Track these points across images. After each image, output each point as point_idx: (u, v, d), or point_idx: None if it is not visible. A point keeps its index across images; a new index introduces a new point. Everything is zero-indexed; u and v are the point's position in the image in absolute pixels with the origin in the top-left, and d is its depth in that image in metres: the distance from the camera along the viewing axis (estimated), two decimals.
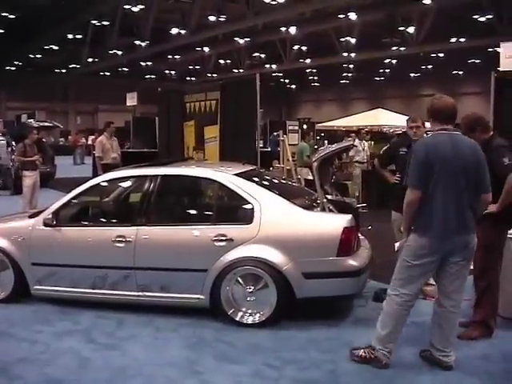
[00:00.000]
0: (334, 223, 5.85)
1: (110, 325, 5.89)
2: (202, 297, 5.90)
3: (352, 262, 5.80)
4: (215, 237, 5.80)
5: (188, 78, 48.99)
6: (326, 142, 22.28)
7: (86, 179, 10.76)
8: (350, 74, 49.84)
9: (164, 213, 6.51)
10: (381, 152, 7.12)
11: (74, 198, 6.49)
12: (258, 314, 5.80)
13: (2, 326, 5.89)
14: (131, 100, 33.20)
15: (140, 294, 6.06)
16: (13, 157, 15.85)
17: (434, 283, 5.36)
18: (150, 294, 6.04)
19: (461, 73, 44.73)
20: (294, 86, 59.03)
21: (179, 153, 10.93)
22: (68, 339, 5.54)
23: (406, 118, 19.47)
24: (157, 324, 5.91)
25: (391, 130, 19.72)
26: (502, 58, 10.97)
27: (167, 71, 49.16)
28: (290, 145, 17.13)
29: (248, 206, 5.92)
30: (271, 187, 6.23)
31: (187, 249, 5.91)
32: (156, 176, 6.28)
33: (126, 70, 46.60)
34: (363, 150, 15.70)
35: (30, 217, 6.66)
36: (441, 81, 44.83)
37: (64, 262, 6.26)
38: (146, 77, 48.47)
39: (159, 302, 6.08)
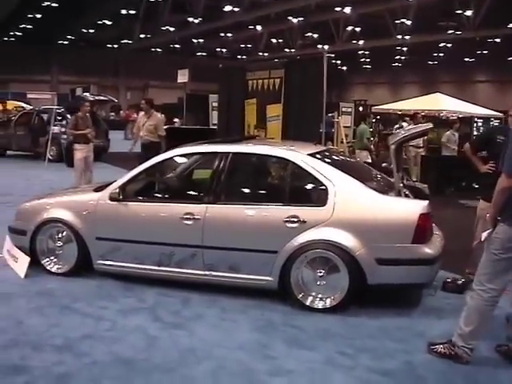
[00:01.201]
0: (410, 209, 5.60)
1: (175, 303, 5.77)
2: (270, 279, 5.73)
3: (427, 250, 5.57)
4: (287, 218, 5.60)
5: (239, 57, 48.77)
6: (380, 125, 21.83)
7: (138, 154, 10.80)
8: (403, 57, 48.85)
9: (234, 191, 6.31)
10: (473, 137, 6.80)
11: (141, 172, 6.35)
12: (328, 299, 5.61)
13: (65, 300, 5.80)
14: (182, 77, 33.08)
15: (207, 273, 5.91)
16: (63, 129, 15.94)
17: None
18: (217, 273, 5.89)
19: None
20: (345, 68, 58.19)
21: (239, 130, 10.73)
22: (134, 317, 5.42)
23: (465, 103, 18.93)
24: (222, 304, 5.76)
25: (449, 116, 19.14)
26: None
27: (218, 49, 48.97)
28: (344, 127, 16.87)
29: (322, 188, 5.70)
30: (345, 169, 5.98)
31: (257, 229, 5.73)
32: (227, 153, 6.08)
33: (178, 46, 46.57)
34: None
35: (95, 190, 6.56)
36: (496, 67, 43.66)
37: (129, 237, 6.15)
38: (197, 54, 48.38)
39: (226, 282, 5.93)
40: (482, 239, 4.65)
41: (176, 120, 25.06)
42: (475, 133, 14.54)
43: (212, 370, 4.38)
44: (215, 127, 22.31)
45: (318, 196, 5.78)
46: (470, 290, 6.09)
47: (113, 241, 6.22)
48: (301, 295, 5.64)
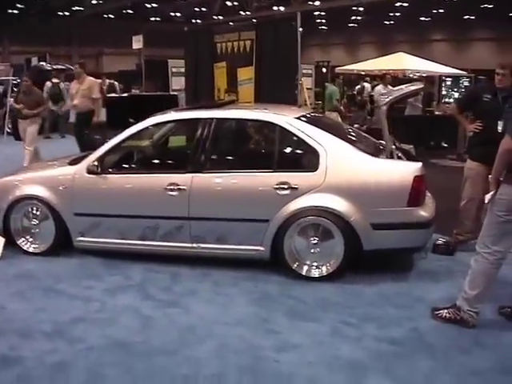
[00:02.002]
0: (404, 171, 5.41)
1: (164, 279, 5.50)
2: (262, 249, 5.51)
3: (422, 213, 5.43)
4: (277, 185, 5.36)
5: (194, 21, 47.75)
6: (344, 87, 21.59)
7: (101, 123, 10.41)
8: (359, 18, 48.46)
9: (221, 159, 6.03)
10: (459, 97, 6.68)
11: (119, 143, 5.95)
12: (324, 267, 5.43)
13: (47, 281, 5.46)
14: (137, 43, 32.23)
15: (194, 245, 5.66)
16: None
17: None
18: (205, 245, 5.64)
19: (473, 18, 43.38)
20: (300, 29, 57.55)
21: (209, 95, 10.33)
22: (123, 296, 5.13)
23: (429, 62, 18.81)
24: (214, 278, 5.53)
25: (411, 75, 18.99)
26: None
27: (172, 13, 47.84)
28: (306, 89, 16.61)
29: (312, 152, 5.46)
30: (334, 132, 5.74)
31: (247, 197, 5.47)
32: (211, 119, 5.76)
33: (131, 12, 45.34)
34: None
35: (71, 164, 6.18)
36: (452, 26, 43.70)
37: (110, 211, 5.82)
38: (151, 19, 47.21)
39: (215, 254, 5.69)
40: (486, 201, 4.52)
41: (134, 89, 24.10)
42: (444, 92, 14.44)
43: (215, 348, 4.15)
44: (176, 93, 21.90)
45: (308, 161, 5.55)
46: (461, 251, 6.08)
47: (93, 216, 5.88)
48: (296, 265, 5.45)
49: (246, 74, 9.59)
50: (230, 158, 6.21)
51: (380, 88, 15.30)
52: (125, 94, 20.26)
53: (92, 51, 48.32)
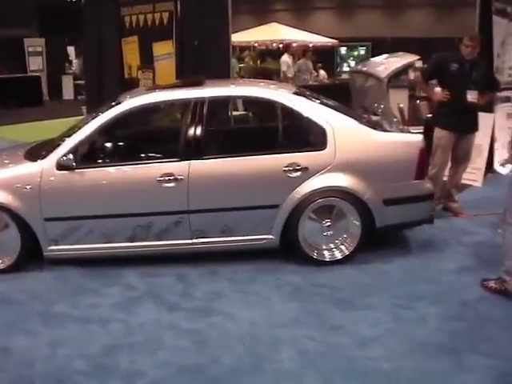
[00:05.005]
0: (410, 144, 5.20)
1: (172, 283, 4.83)
2: (271, 237, 5.06)
3: (427, 185, 5.34)
4: (287, 166, 4.91)
5: None
6: None
7: None
8: None
9: (220, 143, 5.40)
10: (425, 66, 6.64)
11: (95, 131, 5.07)
12: (343, 246, 5.13)
13: (36, 305, 4.48)
14: None
15: (195, 241, 5.04)
16: None
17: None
18: (207, 239, 5.05)
19: None
20: None
21: (117, 73, 9.45)
22: (141, 310, 4.36)
23: (304, 32, 18.80)
24: (225, 275, 4.97)
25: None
26: None
27: None
28: None
29: (318, 130, 5.06)
30: (333, 107, 5.38)
31: (254, 183, 4.95)
32: (202, 99, 5.11)
33: None
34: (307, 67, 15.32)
35: (28, 158, 5.21)
36: None
37: (91, 212, 4.98)
38: None
39: (218, 248, 5.13)
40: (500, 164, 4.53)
41: None
42: (339, 61, 14.47)
43: (298, 356, 3.67)
44: (37, 74, 20.27)
45: (315, 139, 5.15)
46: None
47: (69, 220, 5.02)
48: (315, 253, 5.09)
49: (163, 48, 8.87)
50: (231, 141, 5.57)
51: (302, 63, 15.37)
52: None
53: None
